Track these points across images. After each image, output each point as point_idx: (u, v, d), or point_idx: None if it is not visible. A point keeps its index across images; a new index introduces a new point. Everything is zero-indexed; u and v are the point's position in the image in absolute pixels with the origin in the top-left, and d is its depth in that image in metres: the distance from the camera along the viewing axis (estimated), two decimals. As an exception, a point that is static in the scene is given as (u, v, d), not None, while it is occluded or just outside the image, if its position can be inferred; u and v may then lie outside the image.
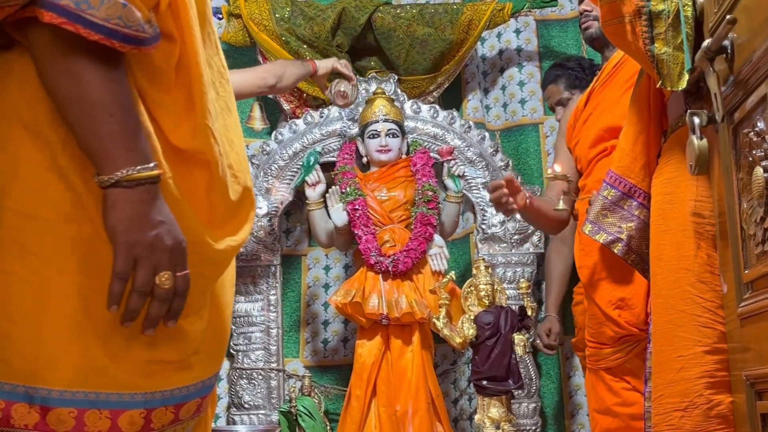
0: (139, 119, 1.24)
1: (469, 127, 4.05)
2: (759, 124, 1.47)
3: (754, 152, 1.48)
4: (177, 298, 1.24)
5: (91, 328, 1.23)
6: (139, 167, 1.20)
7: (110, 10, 1.15)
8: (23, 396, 1.20)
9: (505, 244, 3.94)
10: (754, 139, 1.48)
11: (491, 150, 4.02)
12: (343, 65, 3.59)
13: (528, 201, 2.79)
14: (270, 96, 4.19)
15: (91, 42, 1.16)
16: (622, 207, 2.19)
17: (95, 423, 1.23)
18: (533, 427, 3.78)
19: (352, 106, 3.73)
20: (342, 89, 3.52)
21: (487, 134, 4.08)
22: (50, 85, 1.19)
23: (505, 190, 2.69)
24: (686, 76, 1.76)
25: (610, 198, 2.20)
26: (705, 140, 1.69)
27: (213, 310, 1.40)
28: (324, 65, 3.55)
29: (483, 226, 3.97)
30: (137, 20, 1.18)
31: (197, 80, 1.31)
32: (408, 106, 4.04)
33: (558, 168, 2.72)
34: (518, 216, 3.92)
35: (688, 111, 1.74)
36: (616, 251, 2.22)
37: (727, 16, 1.52)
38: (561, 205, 2.64)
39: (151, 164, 1.22)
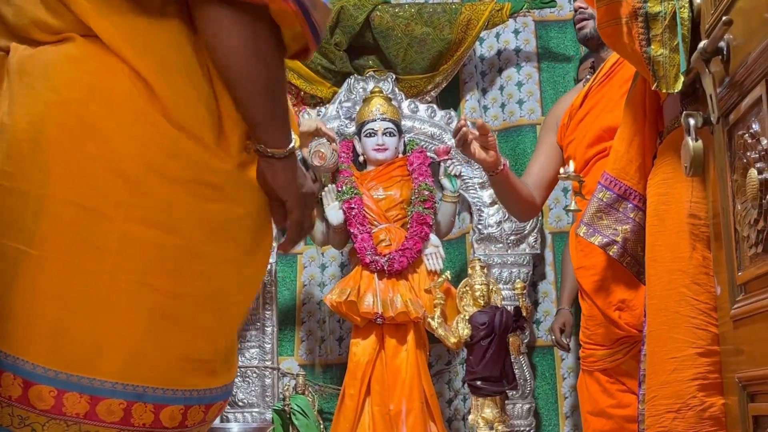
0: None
1: (467, 126, 4.03)
2: (754, 126, 1.46)
3: (748, 154, 1.48)
4: (309, 229, 1.54)
5: (144, 323, 1.26)
6: (290, 141, 1.40)
7: (325, 15, 1.31)
8: (76, 386, 1.22)
9: (501, 245, 3.93)
10: (749, 141, 1.48)
11: (488, 150, 4.01)
12: (325, 126, 3.41)
13: (502, 168, 2.78)
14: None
15: (278, 35, 1.29)
16: (617, 209, 2.18)
17: (141, 416, 1.26)
18: (527, 428, 3.77)
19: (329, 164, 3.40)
20: (322, 150, 3.31)
21: (484, 134, 4.07)
22: (246, 63, 1.28)
23: (470, 130, 2.69)
24: (681, 79, 1.76)
25: (605, 200, 2.20)
26: (700, 142, 1.69)
27: None
28: (307, 124, 3.35)
29: (479, 227, 3.96)
30: (327, 19, 1.34)
31: None
32: (405, 106, 4.03)
33: (572, 167, 2.68)
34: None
35: (684, 112, 1.74)
36: (611, 254, 2.21)
37: (723, 18, 1.51)
38: (573, 206, 2.61)
39: (294, 137, 1.43)
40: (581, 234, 2.27)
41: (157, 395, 1.27)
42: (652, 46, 1.79)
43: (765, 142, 1.41)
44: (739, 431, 1.60)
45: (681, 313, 1.79)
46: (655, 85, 1.80)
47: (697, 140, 1.70)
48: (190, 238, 1.29)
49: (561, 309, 3.74)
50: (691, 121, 1.70)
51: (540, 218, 4.00)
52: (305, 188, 1.45)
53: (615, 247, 2.19)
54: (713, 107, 1.63)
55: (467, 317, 3.40)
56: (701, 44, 1.62)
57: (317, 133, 3.31)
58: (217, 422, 3.82)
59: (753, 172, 1.44)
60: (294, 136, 1.42)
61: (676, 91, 1.78)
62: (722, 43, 1.57)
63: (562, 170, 2.71)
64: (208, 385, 1.36)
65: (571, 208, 2.63)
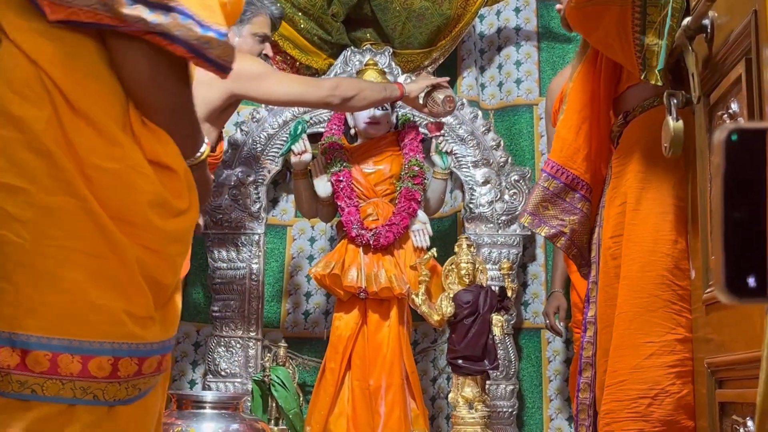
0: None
1: (463, 104, 4.01)
2: (733, 106, 1.43)
3: (727, 135, 1.44)
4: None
5: (74, 283, 1.39)
6: (201, 150, 1.60)
7: (224, 51, 1.43)
8: (7, 341, 1.35)
9: (491, 225, 3.90)
10: (728, 121, 1.44)
11: (483, 129, 3.98)
12: (434, 77, 3.57)
13: None
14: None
15: (183, 65, 1.46)
16: (564, 199, 2.12)
17: (68, 365, 1.39)
18: (509, 409, 3.76)
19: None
20: (449, 94, 3.46)
21: (480, 113, 4.04)
22: (148, 93, 1.44)
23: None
24: (658, 75, 1.72)
25: (551, 189, 2.13)
26: (681, 122, 1.65)
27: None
28: (417, 87, 3.49)
29: (471, 205, 3.93)
30: (233, 55, 1.48)
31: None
32: (402, 80, 3.99)
33: None
34: (506, 197, 3.91)
35: (666, 91, 1.70)
36: (558, 245, 2.17)
37: (708, -7, 1.48)
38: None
39: (204, 146, 1.60)
40: (526, 224, 2.22)
41: (83, 347, 1.39)
42: (647, 35, 1.72)
43: (743, 122, 1.38)
44: (706, 418, 1.58)
45: (661, 297, 1.76)
46: (644, 75, 1.75)
47: (678, 120, 1.66)
48: None
49: (554, 292, 3.72)
50: (673, 101, 1.67)
51: (532, 199, 3.97)
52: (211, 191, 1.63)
53: (563, 239, 2.14)
54: (695, 86, 1.59)
55: (451, 295, 3.37)
56: (685, 21, 1.58)
57: (435, 87, 3.48)
58: (195, 390, 3.81)
59: (712, 158, 1.40)
60: (203, 148, 1.58)
61: (660, 83, 1.73)
62: (706, 21, 1.53)
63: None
64: (141, 338, 1.47)
65: None
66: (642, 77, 1.76)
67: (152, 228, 1.46)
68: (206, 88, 2.99)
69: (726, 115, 1.45)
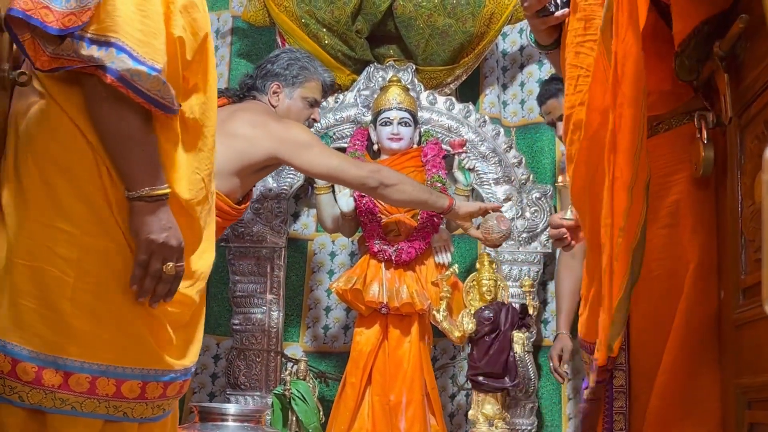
0: (158, 155, 1.70)
1: (485, 121, 4.01)
2: (765, 128, 1.43)
3: (759, 156, 1.45)
4: (175, 282, 1.74)
5: (110, 316, 1.67)
6: (156, 187, 1.68)
7: (154, 84, 1.61)
8: (51, 363, 1.61)
9: (512, 242, 3.90)
10: (760, 142, 1.45)
11: (505, 146, 3.98)
12: (485, 204, 3.54)
13: None
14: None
15: (133, 102, 1.63)
16: None
17: (104, 388, 1.66)
18: (529, 428, 3.74)
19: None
20: (500, 215, 3.42)
21: (502, 130, 4.04)
22: (100, 122, 1.65)
23: (565, 231, 2.53)
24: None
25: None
26: (711, 142, 1.65)
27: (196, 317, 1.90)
28: (469, 208, 3.43)
29: (492, 222, 3.93)
30: (171, 96, 1.66)
31: (210, 139, 1.87)
32: (424, 97, 4.01)
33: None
34: (527, 214, 3.91)
35: (697, 112, 1.70)
36: None
37: (741, 16, 1.48)
38: (569, 215, 2.54)
39: (163, 185, 1.70)
40: None
41: (117, 372, 1.68)
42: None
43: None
44: (734, 438, 1.58)
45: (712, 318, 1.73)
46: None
47: (708, 141, 1.66)
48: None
49: (559, 334, 3.69)
50: (704, 121, 1.67)
51: (553, 217, 3.96)
52: (156, 236, 1.68)
53: None
54: (726, 107, 1.59)
55: (473, 312, 3.38)
56: (717, 42, 1.59)
57: (483, 211, 3.43)
58: (218, 403, 3.82)
59: (762, 175, 1.41)
60: (163, 186, 1.69)
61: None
62: (738, 42, 1.54)
63: (560, 179, 2.64)
64: (168, 365, 1.75)
65: (566, 217, 2.52)
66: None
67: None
68: (247, 144, 3.02)
69: (758, 136, 1.46)
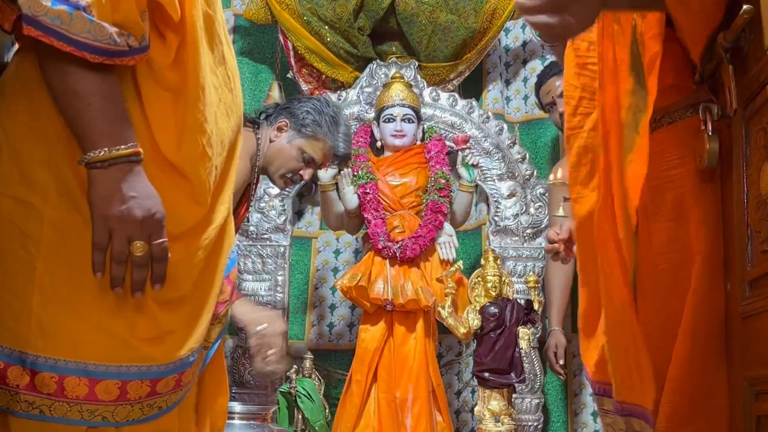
0: (119, 109, 1.40)
1: (488, 117, 4.01)
2: (771, 119, 1.42)
3: (764, 148, 1.44)
4: (156, 263, 1.42)
5: (80, 304, 1.40)
6: (112, 148, 1.37)
7: (79, 25, 1.32)
8: (17, 359, 1.37)
9: (517, 238, 3.90)
10: (765, 134, 1.44)
11: (509, 142, 3.98)
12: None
13: None
14: (289, 76, 4.18)
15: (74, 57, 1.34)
16: None
17: (74, 389, 1.40)
18: (535, 423, 3.74)
19: None
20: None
21: (505, 126, 4.04)
22: (47, 79, 1.39)
23: (560, 246, 2.51)
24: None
25: None
26: (716, 134, 1.65)
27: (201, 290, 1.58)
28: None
29: (496, 218, 3.93)
30: (107, 35, 1.35)
31: (195, 83, 1.48)
32: (427, 93, 4.00)
33: (560, 173, 2.59)
34: (532, 210, 3.90)
35: (702, 104, 1.69)
36: None
37: (745, 7, 1.47)
38: (561, 212, 2.53)
39: (124, 145, 1.38)
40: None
41: (90, 370, 1.41)
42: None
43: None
44: (742, 431, 1.57)
45: (721, 312, 1.73)
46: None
47: (714, 132, 1.66)
48: None
49: (551, 330, 3.69)
50: (709, 113, 1.66)
51: (557, 212, 3.96)
52: (113, 209, 1.37)
53: None
54: (731, 99, 1.59)
55: (478, 308, 3.37)
56: (721, 34, 1.58)
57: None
58: (223, 402, 3.81)
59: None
60: (122, 147, 1.38)
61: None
62: (743, 33, 1.53)
63: (551, 176, 2.61)
64: (152, 360, 1.47)
65: (558, 214, 2.52)
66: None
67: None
68: (242, 163, 2.92)
69: (763, 128, 1.45)
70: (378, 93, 3.87)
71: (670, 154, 1.81)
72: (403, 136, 3.68)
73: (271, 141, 2.95)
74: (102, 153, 1.36)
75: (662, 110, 1.83)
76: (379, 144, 3.78)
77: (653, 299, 1.80)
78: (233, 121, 1.65)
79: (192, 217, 1.53)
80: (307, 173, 2.99)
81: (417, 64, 4.07)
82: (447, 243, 3.60)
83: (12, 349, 1.37)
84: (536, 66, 4.31)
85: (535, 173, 4.00)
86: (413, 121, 3.71)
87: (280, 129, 2.95)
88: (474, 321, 3.34)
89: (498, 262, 3.48)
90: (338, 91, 4.07)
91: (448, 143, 3.82)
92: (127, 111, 1.42)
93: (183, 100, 1.48)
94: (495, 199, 3.95)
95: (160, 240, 1.41)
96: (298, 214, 4.25)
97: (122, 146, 1.38)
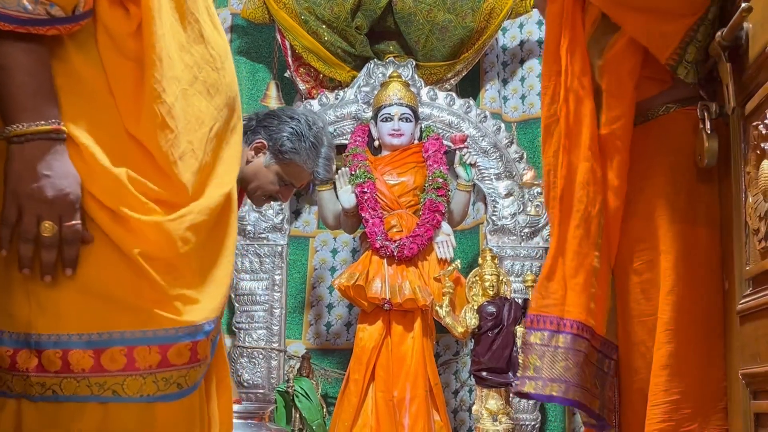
0: (44, 84, 1.34)
1: (485, 116, 4.01)
2: (770, 117, 1.42)
3: (763, 145, 1.44)
4: (66, 246, 1.34)
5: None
6: (31, 123, 1.31)
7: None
8: (24, 343, 1.34)
9: (514, 237, 3.90)
10: (764, 131, 1.44)
11: (506, 141, 3.98)
12: None
13: None
14: (286, 75, 4.18)
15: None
16: None
17: (79, 361, 1.34)
18: (532, 422, 3.74)
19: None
20: None
21: (503, 125, 4.04)
22: None
23: None
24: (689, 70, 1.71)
25: None
26: (715, 132, 1.65)
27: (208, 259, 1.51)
28: None
29: (493, 218, 3.93)
30: (15, 1, 1.27)
31: (150, 52, 1.40)
32: (424, 93, 4.00)
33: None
34: (529, 209, 3.91)
35: (700, 102, 1.70)
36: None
37: (743, 5, 1.47)
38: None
39: (44, 121, 1.32)
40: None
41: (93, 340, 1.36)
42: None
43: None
44: (740, 429, 1.57)
45: (707, 311, 1.73)
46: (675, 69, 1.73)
47: (712, 131, 1.66)
48: None
49: None
50: (707, 111, 1.67)
51: (555, 212, 3.96)
52: (24, 185, 1.31)
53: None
54: (729, 97, 1.59)
55: (475, 307, 3.37)
56: (719, 32, 1.58)
57: None
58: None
59: (765, 164, 1.40)
60: (41, 123, 1.32)
61: (688, 80, 1.72)
62: (741, 32, 1.53)
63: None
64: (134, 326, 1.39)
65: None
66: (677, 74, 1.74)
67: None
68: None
69: (762, 126, 1.45)
70: (375, 92, 3.87)
71: (646, 151, 1.82)
72: (401, 135, 3.68)
73: (248, 162, 2.76)
74: (20, 128, 1.31)
75: (644, 106, 1.84)
76: (376, 143, 3.78)
77: (629, 296, 1.83)
78: (219, 100, 1.58)
79: (165, 186, 1.44)
80: (285, 195, 2.86)
81: (414, 63, 4.07)
82: (445, 242, 3.60)
83: (18, 333, 1.34)
84: (533, 65, 4.31)
85: (533, 172, 4.00)
86: (411, 121, 3.71)
87: (257, 150, 2.75)
88: (472, 320, 3.34)
89: (495, 261, 3.48)
90: (336, 90, 4.07)
91: (445, 142, 3.82)
92: (85, 83, 1.38)
93: (142, 70, 1.42)
94: (492, 198, 3.95)
95: (72, 222, 1.34)
96: (296, 214, 4.25)
97: (42, 122, 1.32)
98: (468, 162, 3.66)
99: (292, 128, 2.75)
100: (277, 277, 3.94)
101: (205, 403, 1.55)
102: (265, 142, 2.74)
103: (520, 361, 1.96)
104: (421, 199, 3.63)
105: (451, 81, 4.21)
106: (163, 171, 1.43)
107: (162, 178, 1.43)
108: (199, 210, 1.47)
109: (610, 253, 1.88)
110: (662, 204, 1.81)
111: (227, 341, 4.01)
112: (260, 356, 3.84)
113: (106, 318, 1.36)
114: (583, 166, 1.88)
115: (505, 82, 4.40)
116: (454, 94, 4.07)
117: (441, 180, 3.62)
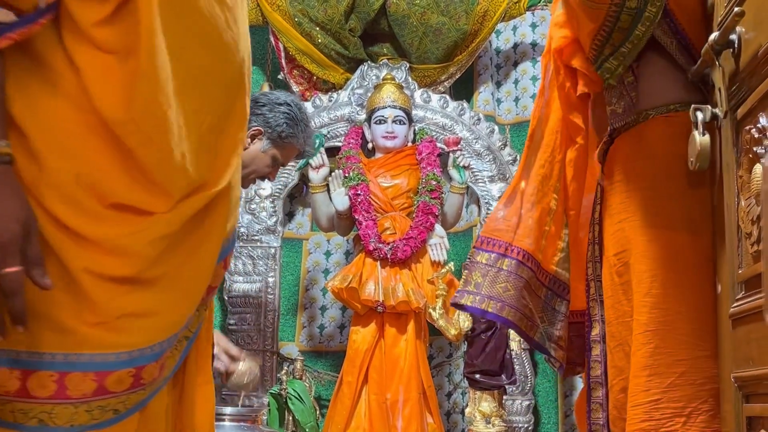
0: None
1: (479, 119, 4.01)
2: (761, 121, 1.43)
3: (755, 149, 1.44)
4: (8, 298, 1.11)
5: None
6: None
7: None
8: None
9: (508, 239, 3.90)
10: (756, 135, 1.44)
11: (499, 144, 3.98)
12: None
13: None
14: (280, 77, 4.17)
15: None
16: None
17: (4, 383, 1.17)
18: (525, 425, 3.74)
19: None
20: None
21: (496, 128, 4.05)
22: None
23: None
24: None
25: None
26: (707, 136, 1.65)
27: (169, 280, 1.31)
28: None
29: (487, 220, 3.93)
30: None
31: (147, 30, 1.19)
32: (418, 95, 4.01)
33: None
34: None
35: (693, 106, 1.70)
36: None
37: (735, 9, 1.48)
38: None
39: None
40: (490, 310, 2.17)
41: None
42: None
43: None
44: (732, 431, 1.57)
45: (686, 314, 1.75)
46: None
47: (704, 134, 1.66)
48: None
49: None
50: (699, 115, 1.67)
51: (548, 214, 3.97)
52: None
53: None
54: (722, 101, 1.59)
55: (469, 310, 3.37)
56: (712, 36, 1.58)
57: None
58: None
59: (758, 168, 1.41)
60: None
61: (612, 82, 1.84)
62: (733, 36, 1.53)
63: None
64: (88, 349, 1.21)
65: None
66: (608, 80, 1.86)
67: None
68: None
69: (754, 130, 1.45)
70: (369, 94, 3.87)
71: (631, 158, 1.85)
72: (395, 137, 3.68)
73: (244, 149, 2.70)
74: None
75: (625, 122, 1.88)
76: (370, 145, 3.78)
77: (611, 297, 1.87)
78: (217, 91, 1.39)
79: (138, 189, 1.24)
80: (274, 175, 2.98)
81: (408, 65, 4.07)
82: (438, 245, 3.60)
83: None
84: (527, 68, 4.32)
85: (526, 175, 4.00)
86: (404, 123, 3.71)
87: (254, 136, 2.83)
88: (465, 323, 3.34)
89: (489, 263, 3.47)
90: (329, 93, 4.07)
91: (439, 145, 3.82)
92: (52, 82, 1.18)
93: (134, 58, 1.19)
94: (486, 200, 3.95)
95: (10, 269, 1.09)
96: (289, 216, 4.24)
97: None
98: (461, 164, 3.66)
99: (287, 112, 2.87)
100: (270, 279, 3.93)
101: (170, 417, 1.41)
102: (262, 129, 2.84)
103: (463, 276, 2.11)
104: (415, 202, 3.63)
105: (445, 83, 4.21)
106: (142, 171, 1.23)
107: (136, 179, 1.23)
108: (168, 221, 1.27)
109: (566, 200, 2.12)
110: (641, 209, 1.84)
111: (220, 343, 4.00)
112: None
113: (35, 335, 1.16)
114: (555, 115, 2.12)
115: (498, 84, 4.40)
116: (447, 97, 4.07)
117: (434, 182, 3.62)
